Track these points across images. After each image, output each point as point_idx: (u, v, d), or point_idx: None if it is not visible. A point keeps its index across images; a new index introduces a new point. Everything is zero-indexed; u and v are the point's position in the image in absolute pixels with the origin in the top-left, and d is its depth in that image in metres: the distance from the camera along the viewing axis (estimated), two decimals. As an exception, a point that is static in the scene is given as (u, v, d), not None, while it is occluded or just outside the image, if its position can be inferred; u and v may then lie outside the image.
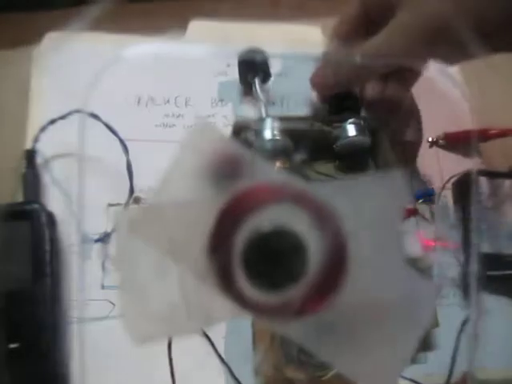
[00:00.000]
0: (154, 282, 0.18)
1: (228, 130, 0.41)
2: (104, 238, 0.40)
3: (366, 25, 0.39)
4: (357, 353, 0.18)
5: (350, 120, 0.39)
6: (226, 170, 0.18)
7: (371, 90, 0.41)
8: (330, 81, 0.40)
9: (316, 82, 0.41)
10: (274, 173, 0.18)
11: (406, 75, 0.42)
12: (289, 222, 0.18)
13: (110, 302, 0.39)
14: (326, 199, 0.18)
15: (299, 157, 0.33)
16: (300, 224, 0.18)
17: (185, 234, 0.18)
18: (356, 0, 0.40)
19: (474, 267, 0.19)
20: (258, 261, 0.18)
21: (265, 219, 0.18)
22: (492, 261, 0.38)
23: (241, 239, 0.18)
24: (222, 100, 0.47)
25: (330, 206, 0.18)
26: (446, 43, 0.33)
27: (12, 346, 0.35)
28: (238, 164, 0.18)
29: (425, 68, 0.35)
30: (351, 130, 0.39)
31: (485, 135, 0.44)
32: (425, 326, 0.18)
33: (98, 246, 0.40)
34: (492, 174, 0.41)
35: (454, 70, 0.46)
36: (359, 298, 0.18)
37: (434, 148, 0.46)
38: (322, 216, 0.18)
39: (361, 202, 0.18)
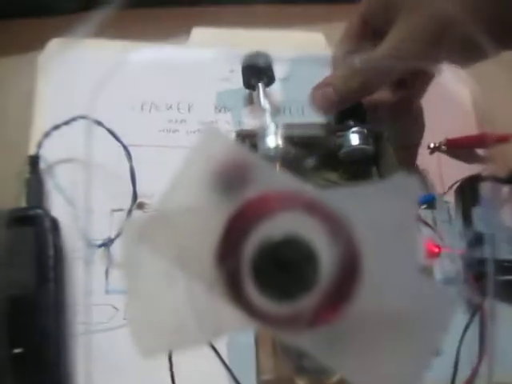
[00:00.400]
0: (162, 292, 0.17)
1: (231, 137, 0.40)
2: (107, 243, 0.39)
3: (370, 33, 0.38)
4: (370, 363, 0.17)
5: (354, 129, 0.38)
6: (234, 176, 0.18)
7: (378, 94, 0.40)
8: (332, 101, 0.38)
9: (318, 103, 0.39)
10: (284, 180, 0.17)
11: (416, 84, 0.41)
12: (300, 231, 0.17)
13: (114, 307, 0.39)
14: (337, 206, 0.17)
15: (310, 162, 0.32)
16: (311, 232, 0.17)
17: (193, 241, 0.17)
18: (357, 10, 0.39)
19: (492, 274, 0.19)
20: (268, 270, 0.17)
21: (275, 227, 0.17)
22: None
23: (250, 248, 0.17)
24: (223, 107, 0.46)
25: (342, 213, 0.17)
26: (456, 45, 0.32)
27: (16, 351, 0.35)
28: (247, 170, 0.18)
29: (437, 71, 0.35)
30: (355, 138, 0.38)
31: (489, 140, 0.43)
32: (441, 336, 0.17)
33: (101, 251, 0.40)
34: (495, 180, 0.40)
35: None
36: (373, 307, 0.17)
37: (435, 153, 0.45)
38: (334, 224, 0.17)
39: (374, 208, 0.17)
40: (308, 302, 0.17)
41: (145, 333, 0.17)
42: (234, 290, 0.17)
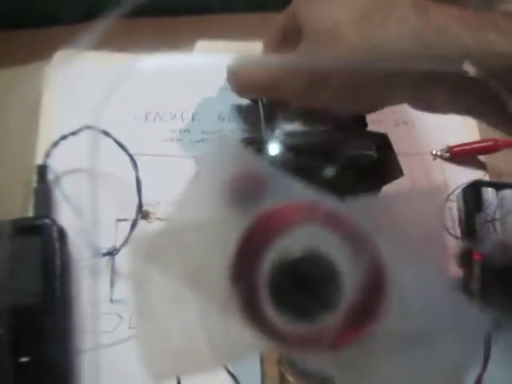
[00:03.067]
0: (173, 313, 0.15)
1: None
2: (113, 253, 0.38)
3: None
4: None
5: (356, 134, 0.36)
6: (248, 187, 0.15)
7: None
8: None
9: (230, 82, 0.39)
10: (302, 190, 0.15)
11: None
12: (320, 245, 0.15)
13: (119, 316, 0.37)
14: (360, 219, 0.15)
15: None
16: (333, 247, 0.15)
17: (205, 259, 0.15)
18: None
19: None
20: (286, 288, 0.15)
21: (293, 242, 0.15)
22: (502, 274, 0.35)
23: (267, 264, 0.15)
24: (227, 116, 0.44)
25: (365, 226, 0.15)
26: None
27: (22, 360, 0.33)
28: (262, 181, 0.15)
29: None
30: (357, 143, 0.36)
31: (491, 147, 0.41)
32: (474, 356, 0.15)
33: (106, 260, 0.38)
34: (497, 186, 0.38)
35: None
36: (399, 327, 0.15)
37: (438, 160, 0.43)
38: (357, 237, 0.15)
39: (399, 220, 0.15)
40: (330, 322, 0.14)
41: (155, 357, 0.15)
42: (250, 310, 0.15)
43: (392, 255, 0.15)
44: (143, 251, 0.15)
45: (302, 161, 0.35)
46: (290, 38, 0.34)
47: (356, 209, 0.15)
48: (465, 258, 0.36)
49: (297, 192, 0.16)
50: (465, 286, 0.36)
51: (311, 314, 0.15)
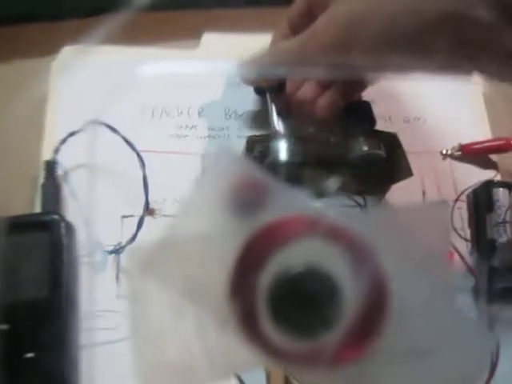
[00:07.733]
0: (170, 327, 0.14)
1: (241, 143, 0.38)
2: (118, 250, 0.37)
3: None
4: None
5: (365, 133, 0.36)
6: (249, 199, 0.15)
7: (306, 91, 0.36)
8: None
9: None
10: (303, 202, 0.15)
11: (348, 85, 0.37)
12: (321, 260, 0.14)
13: (123, 314, 0.36)
14: (363, 233, 0.14)
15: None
16: (334, 262, 0.14)
17: (203, 272, 0.15)
18: None
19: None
20: (286, 304, 0.14)
21: (294, 257, 0.14)
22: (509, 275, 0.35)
23: (267, 279, 0.14)
24: (234, 113, 0.44)
25: (368, 240, 0.14)
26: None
27: (26, 355, 0.33)
28: (263, 192, 0.15)
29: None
30: (366, 142, 0.36)
31: (503, 146, 0.40)
32: (479, 371, 0.14)
33: (112, 256, 0.38)
34: (509, 186, 0.37)
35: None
36: (402, 344, 0.14)
37: (447, 159, 0.42)
38: (359, 252, 0.14)
39: (403, 234, 0.14)
40: (330, 339, 0.14)
41: (151, 371, 0.14)
42: (249, 326, 0.14)
43: (395, 270, 0.14)
44: (141, 262, 0.15)
45: (309, 159, 0.35)
46: (313, 13, 0.33)
47: (359, 222, 0.15)
48: (475, 268, 0.36)
49: (299, 203, 0.15)
50: (474, 296, 0.35)
51: (311, 331, 0.14)
